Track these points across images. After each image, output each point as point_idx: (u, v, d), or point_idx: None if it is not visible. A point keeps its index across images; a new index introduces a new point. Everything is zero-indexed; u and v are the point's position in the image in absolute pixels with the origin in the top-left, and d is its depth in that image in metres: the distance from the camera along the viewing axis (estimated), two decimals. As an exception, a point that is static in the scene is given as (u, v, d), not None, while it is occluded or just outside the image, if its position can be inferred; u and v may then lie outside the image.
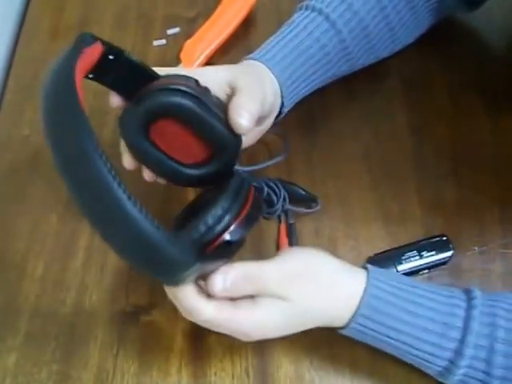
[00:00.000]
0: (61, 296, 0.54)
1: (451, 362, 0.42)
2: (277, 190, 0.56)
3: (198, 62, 0.66)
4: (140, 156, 0.47)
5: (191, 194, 0.57)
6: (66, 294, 0.54)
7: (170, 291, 0.43)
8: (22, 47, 0.73)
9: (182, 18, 0.72)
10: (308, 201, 0.57)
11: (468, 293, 0.44)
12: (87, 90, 0.65)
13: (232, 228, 0.41)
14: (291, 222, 0.56)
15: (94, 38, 0.38)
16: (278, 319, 0.43)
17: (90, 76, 0.41)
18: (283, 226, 0.56)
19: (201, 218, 0.41)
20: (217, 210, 0.41)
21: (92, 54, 0.38)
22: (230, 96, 0.47)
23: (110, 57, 0.40)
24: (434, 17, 0.61)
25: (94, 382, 0.50)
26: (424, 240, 0.54)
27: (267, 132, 0.55)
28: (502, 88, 0.62)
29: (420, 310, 0.43)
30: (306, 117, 0.62)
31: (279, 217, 0.57)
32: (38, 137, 0.64)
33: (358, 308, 0.43)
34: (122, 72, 0.42)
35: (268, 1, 0.72)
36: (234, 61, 0.54)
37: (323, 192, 0.58)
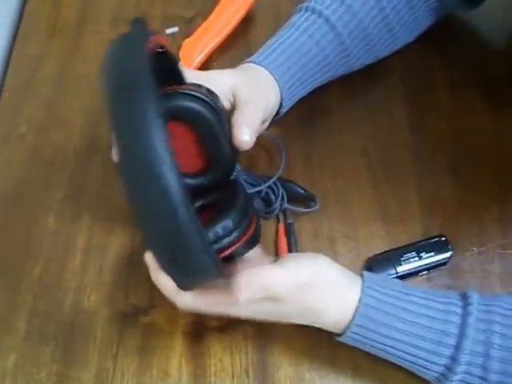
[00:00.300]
0: (59, 297, 0.54)
1: (447, 368, 0.43)
2: (275, 188, 0.56)
3: (196, 62, 0.66)
4: None
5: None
6: (65, 295, 0.54)
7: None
8: (19, 45, 0.72)
9: (180, 17, 0.72)
10: (307, 200, 0.57)
11: (464, 298, 0.44)
12: (84, 89, 0.66)
13: (239, 244, 0.42)
14: (290, 221, 0.56)
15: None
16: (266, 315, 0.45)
17: None
18: (282, 226, 0.56)
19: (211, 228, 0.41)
20: (227, 223, 0.41)
21: (156, 41, 0.39)
22: (233, 104, 0.47)
23: (160, 50, 0.41)
24: (433, 16, 0.61)
25: (93, 381, 0.50)
26: (423, 241, 0.54)
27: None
28: (502, 86, 0.62)
29: (415, 318, 0.43)
30: (305, 115, 0.62)
31: (277, 216, 0.57)
32: (35, 135, 0.64)
33: (353, 317, 0.43)
34: (160, 66, 0.43)
35: (267, 0, 0.72)
36: (233, 60, 0.54)
37: (322, 191, 0.58)
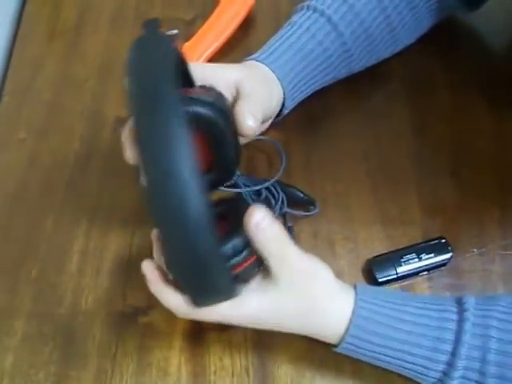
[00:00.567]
0: (57, 298, 0.54)
1: (444, 373, 0.43)
2: (275, 192, 0.56)
3: (196, 64, 0.66)
4: None
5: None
6: (63, 296, 0.54)
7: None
8: (18, 49, 0.72)
9: (179, 20, 0.72)
10: (306, 204, 0.57)
11: (460, 304, 0.44)
12: (85, 92, 0.66)
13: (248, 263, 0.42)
14: (289, 224, 0.56)
15: None
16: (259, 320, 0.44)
17: None
18: (281, 229, 0.56)
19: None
20: (236, 242, 0.42)
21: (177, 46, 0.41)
22: (235, 98, 0.47)
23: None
24: (434, 17, 0.61)
25: (92, 382, 0.50)
26: (423, 242, 0.54)
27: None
28: (504, 89, 0.62)
29: (410, 327, 0.43)
30: (305, 118, 0.62)
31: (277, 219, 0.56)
32: (35, 140, 0.64)
33: (348, 329, 0.43)
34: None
35: (267, 2, 0.72)
36: (234, 63, 0.54)
37: (322, 195, 0.57)
